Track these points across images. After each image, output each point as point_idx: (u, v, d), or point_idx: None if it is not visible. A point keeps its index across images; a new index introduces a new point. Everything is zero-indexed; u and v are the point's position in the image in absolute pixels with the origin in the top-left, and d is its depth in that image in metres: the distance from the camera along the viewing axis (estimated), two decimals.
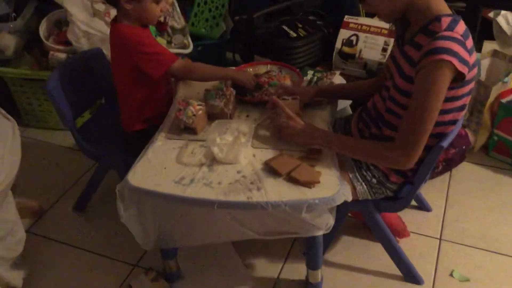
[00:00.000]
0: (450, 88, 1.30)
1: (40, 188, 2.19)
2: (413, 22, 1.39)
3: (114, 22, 1.65)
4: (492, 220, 1.96)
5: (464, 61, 1.26)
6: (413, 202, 2.01)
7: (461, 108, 1.39)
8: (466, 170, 2.22)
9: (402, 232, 1.85)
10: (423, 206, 2.01)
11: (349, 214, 1.90)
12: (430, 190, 2.08)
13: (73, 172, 2.28)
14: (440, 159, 2.06)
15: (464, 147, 2.12)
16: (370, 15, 2.38)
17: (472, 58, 1.31)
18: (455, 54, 1.24)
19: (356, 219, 1.91)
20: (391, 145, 1.38)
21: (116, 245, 1.88)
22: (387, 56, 1.96)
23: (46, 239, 1.94)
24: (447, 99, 1.31)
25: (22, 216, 1.76)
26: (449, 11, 1.33)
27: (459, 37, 1.27)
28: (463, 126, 2.19)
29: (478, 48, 2.40)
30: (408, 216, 1.93)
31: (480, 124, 2.22)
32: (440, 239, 1.88)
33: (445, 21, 1.29)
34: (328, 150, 1.45)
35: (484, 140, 2.29)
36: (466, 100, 1.39)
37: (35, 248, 1.88)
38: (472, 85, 1.36)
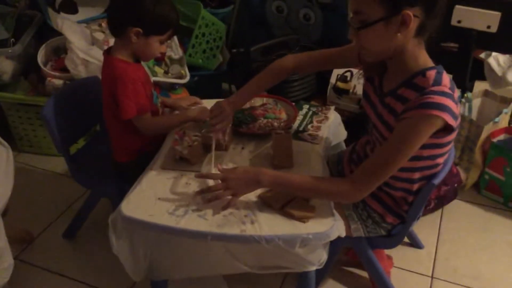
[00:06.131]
0: (438, 137, 1.29)
1: (30, 215, 2.16)
2: (391, 71, 1.38)
3: (107, 54, 1.63)
4: (484, 259, 1.96)
5: (454, 115, 1.26)
6: (406, 239, 2.01)
7: (447, 152, 1.41)
8: (457, 208, 2.22)
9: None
10: (415, 243, 2.00)
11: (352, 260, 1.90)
12: (423, 227, 2.08)
13: (65, 199, 2.25)
14: (432, 197, 2.08)
15: (456, 185, 2.14)
16: None
17: (459, 108, 1.33)
18: (446, 109, 1.23)
19: (348, 257, 1.91)
20: (344, 179, 1.36)
21: (104, 275, 1.84)
22: None
23: (33, 267, 1.91)
24: (434, 146, 1.32)
25: (11, 242, 1.74)
26: (431, 64, 1.32)
27: (448, 90, 1.26)
28: (455, 164, 2.21)
29: (470, 88, 2.45)
30: (400, 253, 1.93)
31: (472, 162, 2.24)
32: (432, 277, 1.88)
33: (431, 75, 1.28)
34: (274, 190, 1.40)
35: (475, 178, 2.31)
36: (452, 145, 1.40)
37: (23, 276, 1.84)
38: (456, 132, 1.39)
